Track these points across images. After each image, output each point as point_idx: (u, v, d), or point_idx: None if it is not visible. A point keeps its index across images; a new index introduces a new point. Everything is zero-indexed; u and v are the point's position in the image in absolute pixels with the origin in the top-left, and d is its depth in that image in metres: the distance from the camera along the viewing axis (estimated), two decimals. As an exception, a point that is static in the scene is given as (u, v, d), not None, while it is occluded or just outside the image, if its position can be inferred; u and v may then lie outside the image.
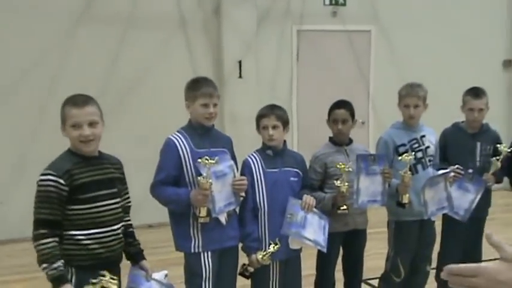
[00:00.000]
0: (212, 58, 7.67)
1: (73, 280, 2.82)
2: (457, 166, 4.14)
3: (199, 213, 3.31)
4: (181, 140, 3.45)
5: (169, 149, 3.45)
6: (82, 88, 6.57)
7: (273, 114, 3.70)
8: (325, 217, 3.75)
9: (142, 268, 3.12)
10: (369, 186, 3.80)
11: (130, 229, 3.16)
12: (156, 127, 6.37)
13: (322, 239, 3.67)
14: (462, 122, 4.48)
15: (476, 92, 4.35)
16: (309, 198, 3.66)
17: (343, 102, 4.08)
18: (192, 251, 3.44)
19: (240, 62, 7.53)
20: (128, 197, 3.15)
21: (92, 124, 2.84)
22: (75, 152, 2.88)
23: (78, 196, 2.81)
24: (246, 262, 3.64)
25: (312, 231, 3.62)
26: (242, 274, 3.63)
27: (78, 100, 2.86)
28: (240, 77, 7.54)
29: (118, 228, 2.97)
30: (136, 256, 3.15)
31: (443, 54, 8.83)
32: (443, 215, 4.28)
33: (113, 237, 2.93)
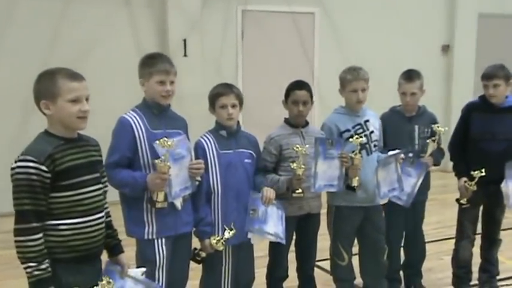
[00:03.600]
0: (157, 36, 7.54)
1: None
2: (397, 151, 4.06)
3: (157, 197, 3.13)
4: (137, 120, 3.25)
5: (123, 129, 3.24)
6: (24, 64, 6.44)
7: (232, 93, 3.59)
8: (282, 207, 3.71)
9: (118, 263, 2.88)
10: (326, 171, 3.73)
11: (109, 218, 2.91)
12: (100, 105, 6.16)
13: (280, 230, 3.63)
14: (399, 105, 4.42)
15: (408, 75, 4.28)
16: (269, 192, 3.60)
17: (303, 83, 3.98)
18: (146, 237, 3.28)
19: (184, 41, 7.42)
20: (106, 181, 2.90)
21: (87, 99, 2.65)
22: (54, 133, 2.61)
23: (60, 182, 2.54)
24: (198, 247, 3.53)
25: (272, 224, 3.59)
26: (193, 259, 3.53)
27: (74, 73, 2.64)
28: (185, 55, 7.44)
29: (101, 217, 2.74)
30: (114, 249, 2.91)
31: (386, 38, 8.98)
32: None
33: (96, 227, 2.68)
